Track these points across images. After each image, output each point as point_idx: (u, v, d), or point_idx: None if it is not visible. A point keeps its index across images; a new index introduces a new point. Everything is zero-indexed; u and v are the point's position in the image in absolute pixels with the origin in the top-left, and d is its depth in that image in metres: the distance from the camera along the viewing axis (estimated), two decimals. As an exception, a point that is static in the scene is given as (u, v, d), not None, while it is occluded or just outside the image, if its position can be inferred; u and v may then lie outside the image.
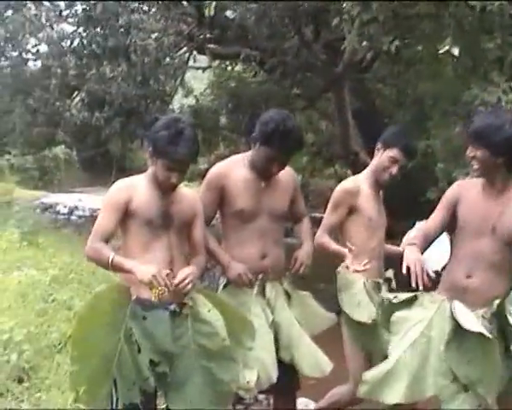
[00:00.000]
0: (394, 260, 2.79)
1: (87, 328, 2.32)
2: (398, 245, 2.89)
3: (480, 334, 2.24)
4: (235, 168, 2.76)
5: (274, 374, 2.60)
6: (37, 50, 11.29)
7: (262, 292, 2.73)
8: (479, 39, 5.05)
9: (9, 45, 11.14)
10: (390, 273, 2.91)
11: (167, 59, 9.69)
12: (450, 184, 2.67)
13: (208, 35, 9.80)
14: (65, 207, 13.19)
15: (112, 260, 2.32)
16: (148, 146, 2.42)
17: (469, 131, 2.44)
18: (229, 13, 10.00)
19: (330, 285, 2.91)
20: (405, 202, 8.04)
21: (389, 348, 2.45)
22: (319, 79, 10.61)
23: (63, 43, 10.12)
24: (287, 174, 2.82)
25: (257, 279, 2.71)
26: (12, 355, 3.44)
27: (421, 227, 2.70)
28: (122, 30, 9.09)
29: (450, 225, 2.56)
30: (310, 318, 2.83)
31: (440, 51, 4.66)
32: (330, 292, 2.89)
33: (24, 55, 11.26)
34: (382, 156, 2.92)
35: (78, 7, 9.87)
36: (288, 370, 2.68)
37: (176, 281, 2.34)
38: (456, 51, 4.51)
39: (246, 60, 9.84)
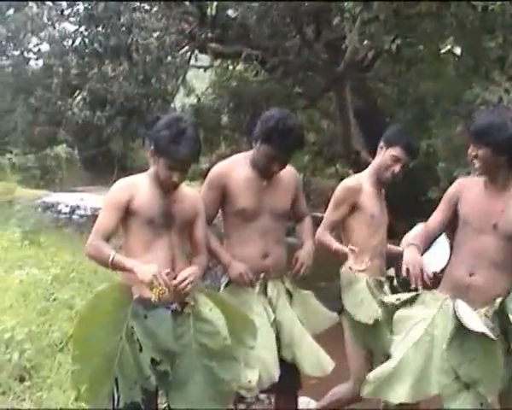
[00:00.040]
0: (395, 259, 2.80)
1: (88, 327, 2.31)
2: (399, 244, 2.89)
3: (483, 334, 2.24)
4: (237, 167, 2.76)
5: (276, 373, 2.60)
6: (39, 49, 11.32)
7: (264, 291, 2.73)
8: (480, 38, 5.06)
9: (11, 44, 11.17)
10: (392, 272, 2.92)
11: (169, 58, 9.67)
12: (451, 183, 2.66)
13: (210, 34, 9.80)
14: (66, 206, 13.22)
15: (112, 259, 2.31)
16: (150, 145, 2.41)
17: (471, 129, 2.43)
18: (230, 12, 9.99)
19: (331, 284, 2.91)
20: (406, 201, 8.01)
21: (392, 348, 2.45)
22: (320, 79, 10.61)
23: (65, 42, 10.14)
24: (288, 173, 2.81)
25: (258, 278, 2.71)
26: (13, 354, 3.45)
27: (420, 229, 2.70)
28: (124, 29, 9.08)
29: (452, 224, 2.56)
30: (311, 317, 2.83)
31: (442, 51, 4.65)
32: (331, 291, 2.89)
33: (26, 54, 11.29)
34: (385, 155, 2.92)
35: (80, 6, 9.86)
36: (289, 369, 2.67)
37: (176, 282, 2.33)
38: (457, 50, 4.51)
39: (247, 59, 9.86)
